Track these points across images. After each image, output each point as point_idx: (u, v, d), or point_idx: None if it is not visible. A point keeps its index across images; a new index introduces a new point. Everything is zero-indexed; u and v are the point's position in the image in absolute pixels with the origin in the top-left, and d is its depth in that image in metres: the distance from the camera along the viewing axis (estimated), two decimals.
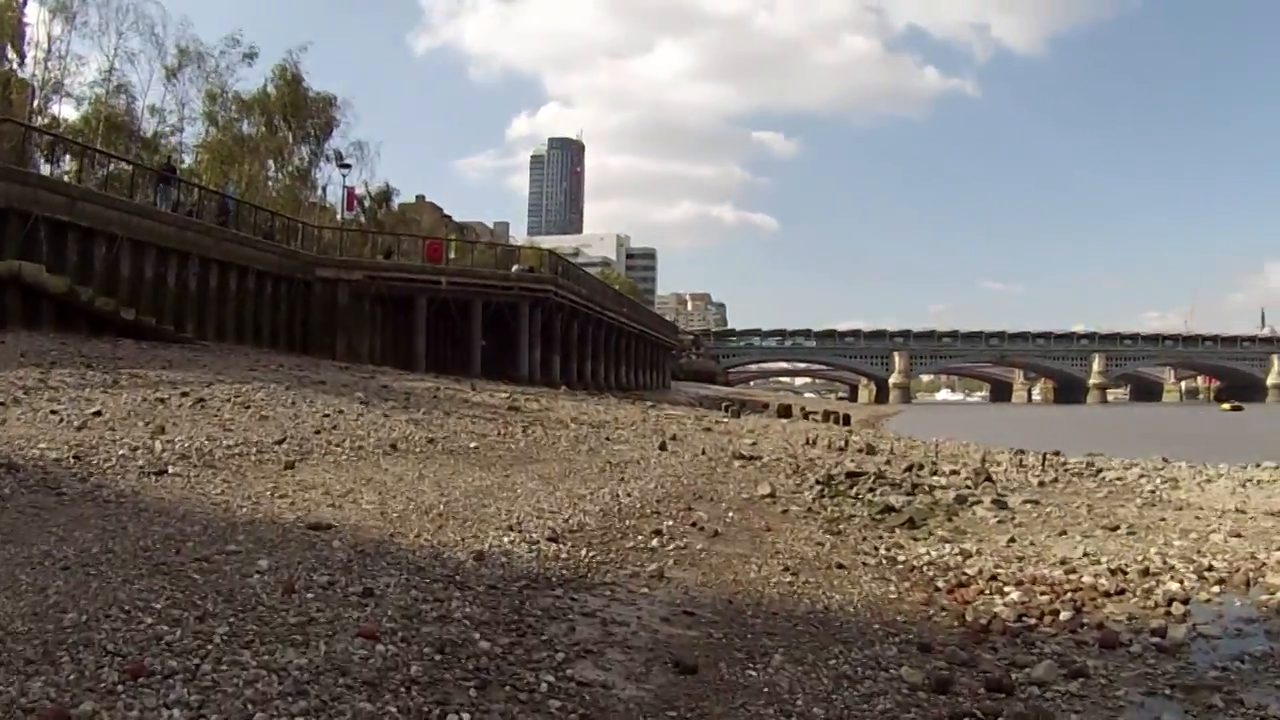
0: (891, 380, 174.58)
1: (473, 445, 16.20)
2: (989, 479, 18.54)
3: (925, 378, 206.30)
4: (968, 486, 17.61)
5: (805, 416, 49.59)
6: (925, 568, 10.60)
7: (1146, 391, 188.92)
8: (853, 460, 21.31)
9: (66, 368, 19.24)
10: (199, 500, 9.25)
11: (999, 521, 13.69)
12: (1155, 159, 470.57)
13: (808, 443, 24.83)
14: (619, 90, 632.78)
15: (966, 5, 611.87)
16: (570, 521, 10.45)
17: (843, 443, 25.21)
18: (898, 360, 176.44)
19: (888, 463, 21.17)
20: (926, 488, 17.18)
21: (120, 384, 18.05)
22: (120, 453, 11.13)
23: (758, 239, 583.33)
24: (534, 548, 8.90)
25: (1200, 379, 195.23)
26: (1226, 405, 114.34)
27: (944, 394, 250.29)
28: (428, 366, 43.11)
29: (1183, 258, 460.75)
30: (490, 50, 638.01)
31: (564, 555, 8.83)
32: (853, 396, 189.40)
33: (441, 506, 10.38)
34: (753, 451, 20.50)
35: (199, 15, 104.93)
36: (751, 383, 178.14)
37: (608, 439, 19.97)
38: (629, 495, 12.78)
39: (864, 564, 10.46)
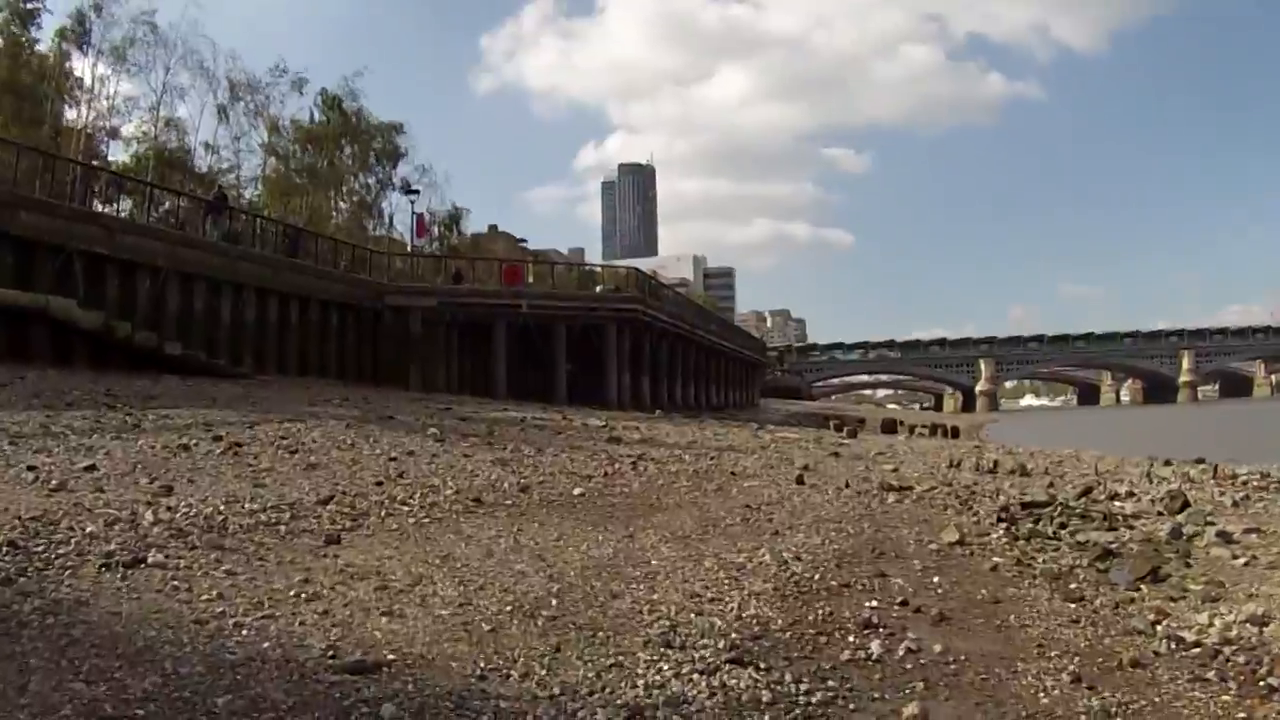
0: (978, 388, 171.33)
1: (577, 492, 12.72)
2: (1186, 503, 14.95)
3: (1009, 384, 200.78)
4: (1160, 513, 14.16)
5: (912, 432, 45.87)
6: (1228, 650, 7.06)
7: (1236, 387, 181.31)
8: (1011, 484, 17.72)
9: (84, 409, 16.27)
10: (177, 614, 5.85)
11: (1245, 563, 10.24)
12: (1228, 149, 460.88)
13: (951, 465, 21.14)
14: (685, 116, 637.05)
15: (1024, 7, 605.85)
16: (743, 616, 6.98)
17: (990, 464, 21.46)
18: (983, 367, 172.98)
19: (1051, 485, 17.54)
20: (1121, 518, 13.65)
21: (141, 427, 14.97)
22: (88, 529, 7.78)
23: (833, 254, 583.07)
24: (712, 679, 5.47)
25: None
26: None
27: (1029, 399, 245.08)
28: (509, 394, 40.28)
29: (1262, 250, 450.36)
30: (552, 85, 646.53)
31: (762, 691, 5.41)
32: (938, 406, 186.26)
33: (554, 602, 6.92)
34: (900, 480, 16.93)
35: (257, 59, 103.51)
36: (834, 396, 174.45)
37: (732, 473, 16.46)
38: (797, 559, 9.28)
39: (1155, 653, 6.89)
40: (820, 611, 7.32)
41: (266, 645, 5.37)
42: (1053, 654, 6.64)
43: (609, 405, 40.72)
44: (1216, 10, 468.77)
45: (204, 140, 53.00)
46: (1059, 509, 14.16)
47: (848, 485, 15.71)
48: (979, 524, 12.68)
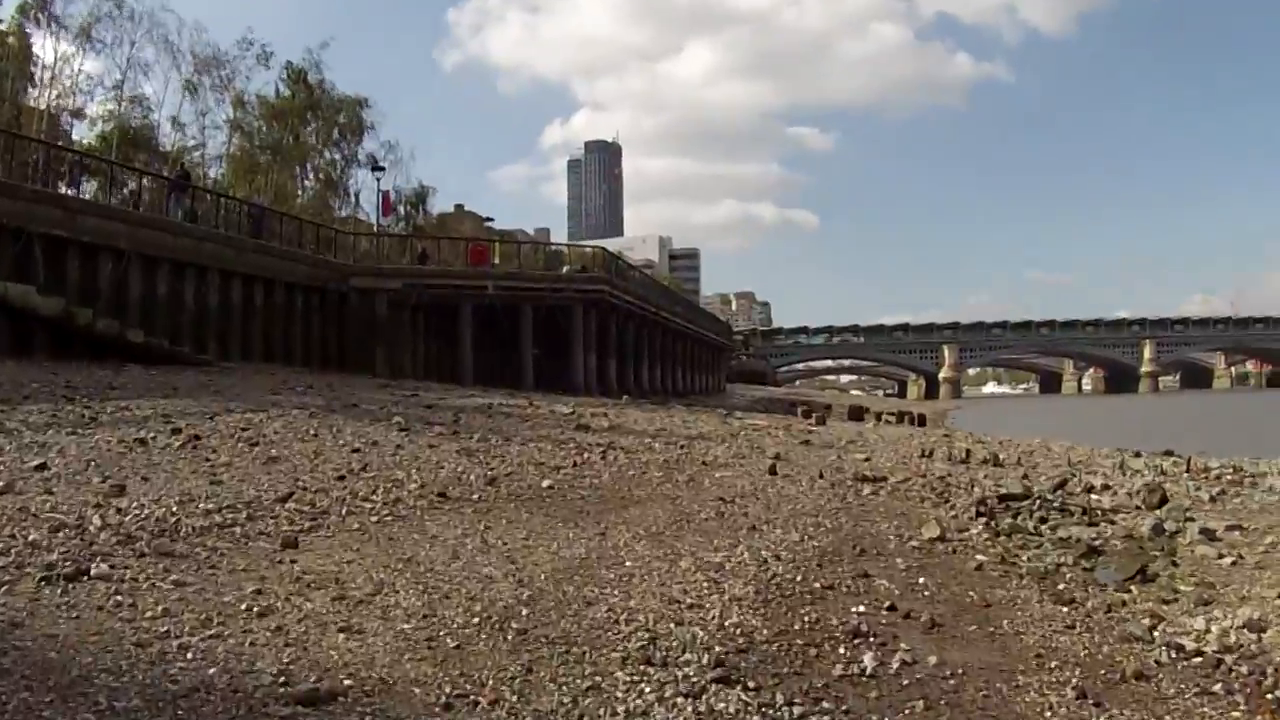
0: (941, 375, 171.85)
1: (546, 484, 12.33)
2: (1165, 498, 14.69)
3: (971, 371, 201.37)
4: (1139, 507, 13.89)
5: (878, 419, 45.58)
6: (1229, 659, 6.74)
7: (1196, 378, 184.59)
8: (985, 475, 17.46)
9: (41, 403, 15.73)
10: (118, 636, 5.42)
11: (1232, 562, 9.96)
12: (1192, 137, 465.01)
13: (923, 455, 20.86)
14: (652, 93, 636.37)
15: None
16: (726, 626, 6.61)
17: (963, 453, 21.18)
18: (947, 354, 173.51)
19: (1025, 477, 17.30)
20: (1099, 512, 13.39)
21: (100, 421, 14.45)
22: (31, 537, 7.34)
23: (799, 236, 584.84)
24: (698, 703, 5.12)
25: (1250, 363, 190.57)
26: None
27: (991, 386, 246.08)
28: (476, 379, 39.78)
29: (1225, 240, 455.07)
30: (518, 61, 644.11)
31: (753, 716, 5.08)
32: (901, 392, 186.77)
33: (524, 611, 6.53)
34: (873, 470, 16.63)
35: (223, 34, 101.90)
36: (798, 382, 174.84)
37: (704, 463, 16.11)
38: (776, 558, 8.93)
39: (1157, 662, 6.57)
40: (806, 618, 6.99)
41: (213, 671, 4.95)
42: (1052, 665, 6.34)
43: (576, 391, 40.18)
44: None
45: (170, 117, 52.00)
46: (1037, 502, 13.94)
47: (821, 476, 15.40)
48: (957, 518, 12.42)
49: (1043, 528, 12.28)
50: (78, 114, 48.34)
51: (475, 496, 11.13)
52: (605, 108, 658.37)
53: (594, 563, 8.23)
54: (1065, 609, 7.96)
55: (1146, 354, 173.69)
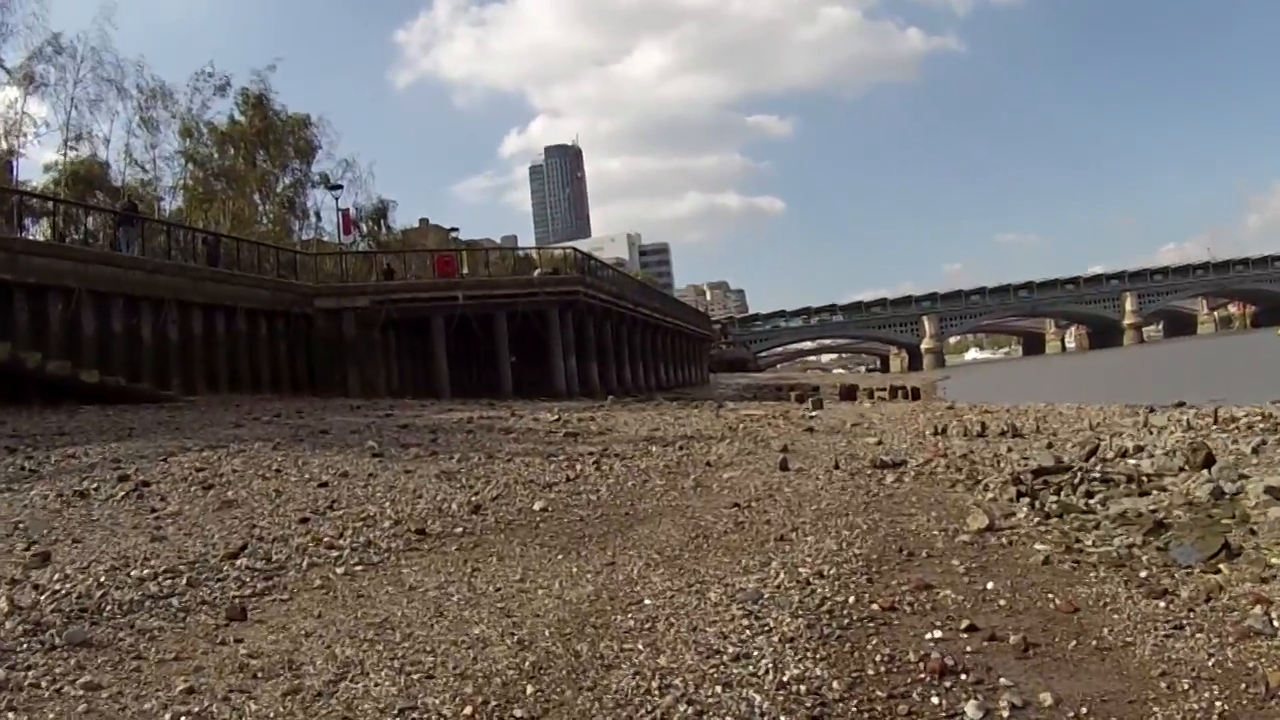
0: (923, 345, 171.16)
1: (539, 506, 10.94)
2: (1211, 456, 13.40)
3: (953, 339, 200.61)
4: (1182, 468, 12.61)
5: (871, 396, 44.34)
6: None
7: (1180, 325, 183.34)
8: (1008, 448, 16.19)
9: None
10: None
11: None
12: (1148, 91, 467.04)
13: (936, 432, 19.57)
14: (607, 95, 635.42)
15: None
16: (786, 683, 5.20)
17: (978, 427, 19.90)
18: (927, 325, 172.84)
19: (1050, 446, 16.06)
20: (1145, 479, 12.13)
21: (41, 472, 13.09)
22: None
23: (766, 222, 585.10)
24: None
25: (1233, 306, 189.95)
26: None
27: (973, 353, 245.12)
28: (453, 392, 38.47)
29: (1191, 188, 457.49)
30: (470, 74, 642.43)
31: None
32: (884, 367, 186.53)
33: (529, 688, 5.11)
34: (889, 454, 15.32)
35: (170, 64, 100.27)
36: (779, 366, 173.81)
37: (708, 463, 14.76)
38: (819, 574, 7.58)
39: None
40: (877, 656, 5.64)
41: None
42: (1184, 685, 5.08)
43: (559, 395, 39.06)
44: None
45: (120, 152, 50.49)
46: (1077, 474, 12.68)
47: (837, 466, 14.12)
48: (996, 500, 11.20)
49: (1092, 503, 11.07)
50: (10, 154, 46.53)
51: (459, 530, 9.73)
52: (562, 114, 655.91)
53: (606, 604, 6.86)
54: (1161, 604, 6.69)
55: (1129, 306, 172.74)
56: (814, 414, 25.74)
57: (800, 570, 7.67)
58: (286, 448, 15.93)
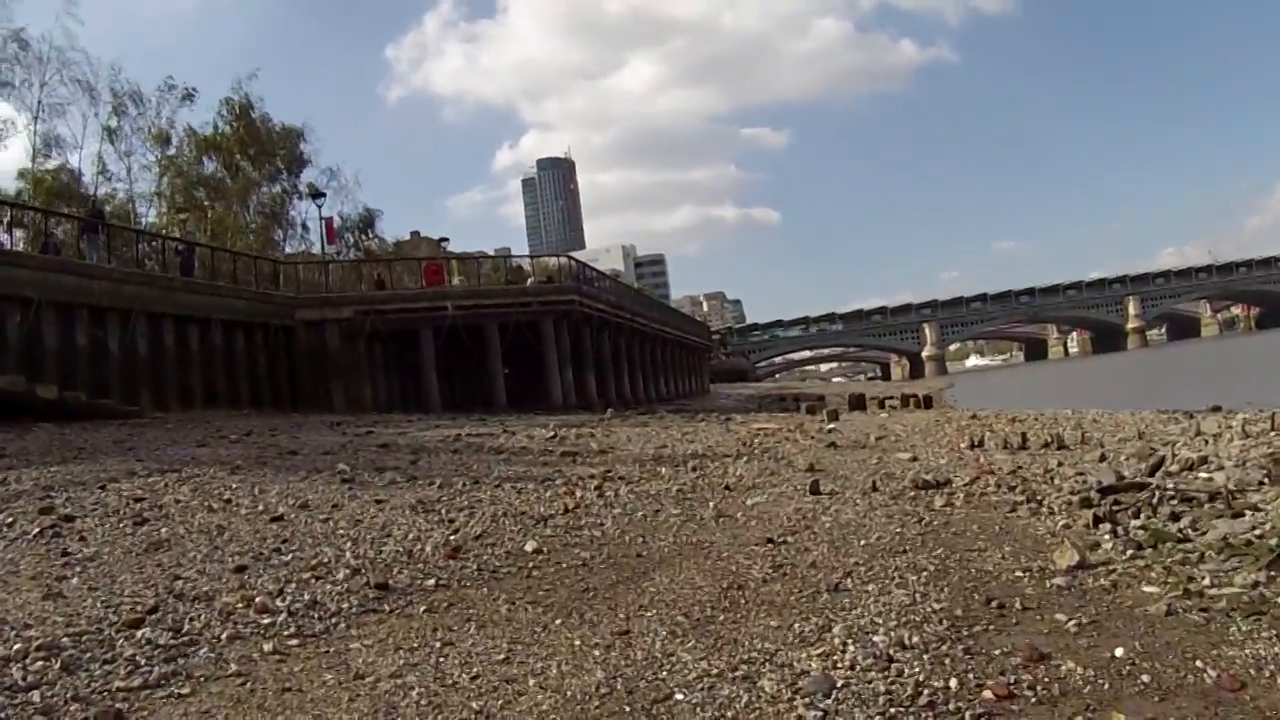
0: (924, 353, 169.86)
1: (531, 547, 8.96)
2: None
3: (953, 347, 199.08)
4: (1262, 482, 10.79)
5: (882, 406, 42.46)
6: None
7: (1184, 329, 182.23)
8: (1058, 462, 14.36)
9: None
10: None
11: None
12: (1144, 98, 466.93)
13: (972, 444, 17.70)
14: (598, 109, 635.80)
15: None
16: None
17: (1019, 438, 18.00)
18: (928, 332, 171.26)
19: (1102, 458, 14.29)
20: (1229, 495, 10.34)
21: None
22: None
23: (763, 232, 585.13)
24: None
25: (1237, 308, 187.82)
26: None
27: (973, 360, 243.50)
28: (444, 406, 36.71)
29: (1188, 192, 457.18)
30: (460, 89, 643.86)
31: None
32: (885, 375, 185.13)
33: None
34: (930, 473, 13.44)
35: (155, 79, 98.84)
36: (777, 375, 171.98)
37: (727, 487, 12.79)
38: (897, 643, 5.71)
39: None
40: None
41: None
42: None
43: (554, 409, 37.25)
44: None
45: (91, 159, 48.69)
46: (1154, 493, 10.85)
47: (875, 488, 12.25)
48: (1071, 527, 9.38)
49: (1183, 528, 9.29)
50: None
51: (431, 581, 7.74)
52: (553, 127, 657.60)
53: (623, 703, 4.97)
54: None
55: (1131, 310, 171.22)
56: (832, 427, 23.81)
57: (874, 639, 5.81)
58: (246, 471, 14.02)
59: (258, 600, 6.97)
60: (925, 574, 7.60)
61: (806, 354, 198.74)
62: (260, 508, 11.04)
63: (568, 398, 40.94)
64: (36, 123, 45.38)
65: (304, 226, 58.09)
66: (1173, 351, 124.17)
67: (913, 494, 11.76)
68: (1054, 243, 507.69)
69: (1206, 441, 15.53)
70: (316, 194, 51.53)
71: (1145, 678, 5.04)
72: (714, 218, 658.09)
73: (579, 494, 12.09)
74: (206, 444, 18.41)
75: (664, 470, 14.48)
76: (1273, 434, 15.44)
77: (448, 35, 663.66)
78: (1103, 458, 14.46)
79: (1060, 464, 13.98)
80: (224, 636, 6.20)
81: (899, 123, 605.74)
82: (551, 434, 20.69)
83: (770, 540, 9.02)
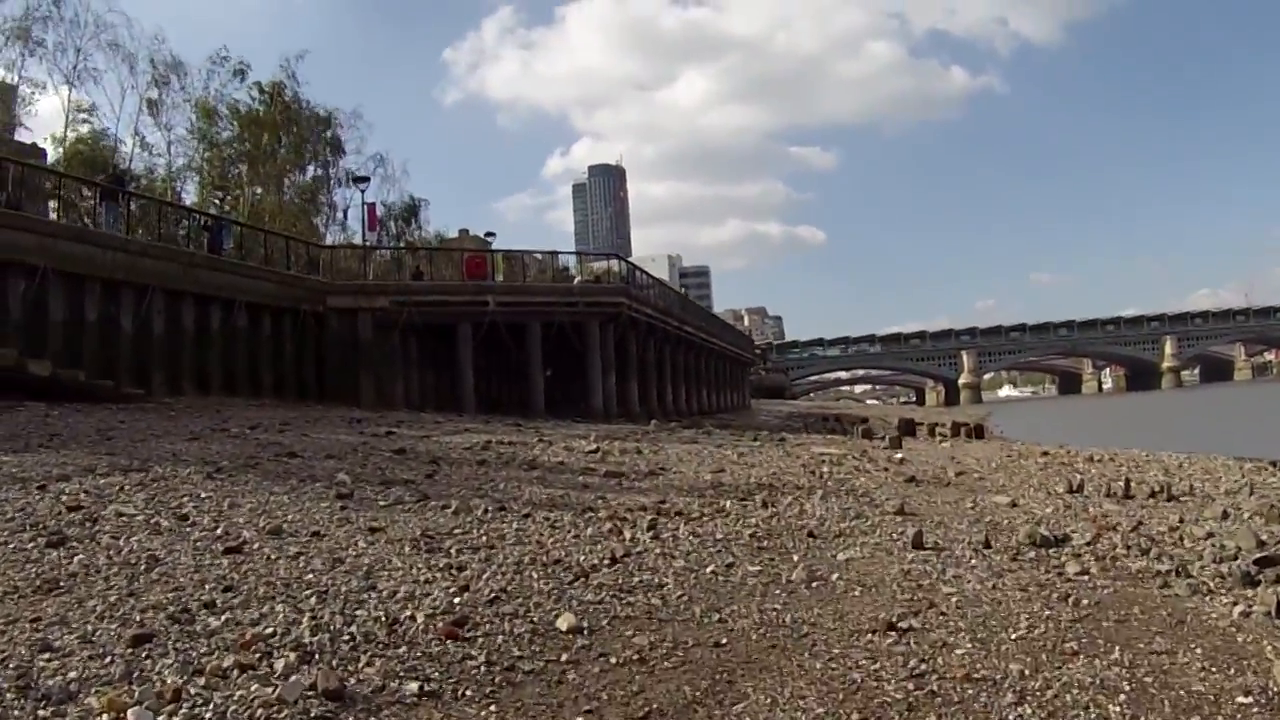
0: (961, 380, 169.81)
1: (565, 625, 6.30)
2: None
3: (987, 376, 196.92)
4: None
5: (932, 432, 39.78)
6: None
7: (1217, 371, 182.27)
8: (1180, 517, 11.85)
9: None
10: None
11: None
12: (1183, 135, 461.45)
13: (1072, 489, 15.09)
14: (650, 121, 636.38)
15: (982, 2, 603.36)
16: None
17: (1123, 484, 15.36)
18: (966, 359, 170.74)
19: (1226, 515, 11.79)
20: None
21: None
22: None
23: (807, 251, 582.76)
24: None
25: (1270, 354, 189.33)
26: None
27: (1006, 390, 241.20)
28: (479, 407, 34.45)
29: (1226, 233, 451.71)
30: (515, 95, 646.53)
31: None
32: (919, 400, 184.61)
33: None
34: (1044, 527, 10.85)
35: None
36: (812, 394, 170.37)
37: (810, 534, 10.18)
38: None
39: None
40: None
41: None
42: None
43: (594, 415, 35.04)
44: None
45: (130, 131, 46.87)
46: None
47: (989, 545, 9.65)
48: (1248, 615, 7.05)
49: None
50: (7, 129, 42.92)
51: (413, 686, 5.10)
52: (604, 137, 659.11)
53: None
54: None
55: (1168, 349, 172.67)
56: (900, 456, 21.19)
57: None
58: (226, 477, 11.61)
59: (150, 696, 4.49)
60: (1122, 697, 5.26)
61: (842, 374, 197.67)
62: (220, 530, 8.57)
63: (609, 405, 38.68)
64: (71, 89, 43.52)
65: (344, 214, 56.25)
66: (1208, 393, 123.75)
67: (1032, 554, 9.26)
68: (1088, 276, 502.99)
69: None
70: (359, 179, 49.39)
71: None
72: (759, 234, 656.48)
73: (628, 533, 9.53)
74: (199, 437, 16.10)
75: (728, 504, 11.89)
76: None
77: (505, 41, 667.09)
78: (1225, 514, 11.99)
79: (1182, 520, 11.52)
80: None
81: (946, 150, 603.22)
82: (593, 447, 18.20)
83: (893, 627, 6.50)
